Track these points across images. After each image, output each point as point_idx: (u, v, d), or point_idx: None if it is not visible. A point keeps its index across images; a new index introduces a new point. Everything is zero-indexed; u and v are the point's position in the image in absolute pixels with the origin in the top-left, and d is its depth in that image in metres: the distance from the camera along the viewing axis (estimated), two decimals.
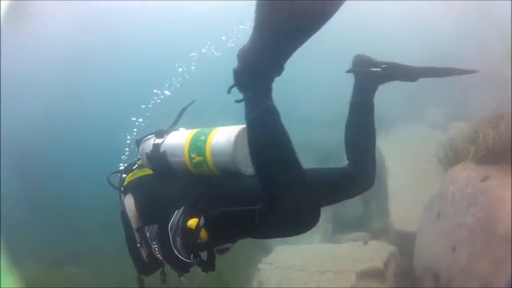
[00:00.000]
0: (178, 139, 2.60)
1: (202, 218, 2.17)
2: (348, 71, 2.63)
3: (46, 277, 7.43)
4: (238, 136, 2.32)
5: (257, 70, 1.95)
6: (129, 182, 2.84)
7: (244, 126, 2.29)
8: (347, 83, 2.67)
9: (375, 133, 2.67)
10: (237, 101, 2.06)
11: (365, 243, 6.59)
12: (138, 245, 2.57)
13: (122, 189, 2.85)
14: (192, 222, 2.17)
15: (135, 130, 3.90)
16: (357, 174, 2.61)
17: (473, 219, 4.30)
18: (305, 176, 2.06)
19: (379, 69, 2.51)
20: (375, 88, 2.62)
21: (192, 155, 2.43)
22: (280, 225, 2.12)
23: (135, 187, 2.76)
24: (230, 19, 4.30)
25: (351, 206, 9.02)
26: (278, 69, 1.95)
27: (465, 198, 4.47)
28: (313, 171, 2.43)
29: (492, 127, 4.25)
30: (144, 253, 2.59)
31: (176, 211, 2.23)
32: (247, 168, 2.32)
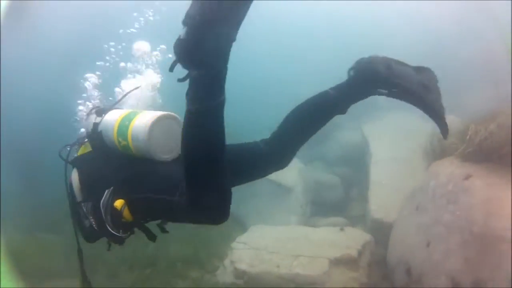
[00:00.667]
0: (110, 121, 2.62)
1: (125, 200, 2.29)
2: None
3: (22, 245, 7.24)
4: (156, 122, 2.33)
5: (215, 17, 1.62)
6: (76, 156, 2.87)
7: (168, 113, 2.40)
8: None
9: (315, 133, 2.58)
10: (180, 80, 1.77)
11: (342, 229, 6.51)
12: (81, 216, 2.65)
13: (70, 162, 2.84)
14: (118, 203, 2.28)
15: None
16: (272, 155, 2.56)
17: (451, 217, 4.20)
18: (227, 181, 2.02)
19: (386, 92, 2.38)
20: (360, 100, 2.50)
21: (120, 139, 2.49)
22: (194, 218, 2.30)
23: (79, 162, 2.79)
24: None
25: (332, 189, 8.95)
26: (235, 23, 1.67)
27: (446, 195, 4.36)
28: (231, 150, 2.28)
29: (483, 125, 4.09)
30: (86, 224, 2.64)
31: (107, 191, 2.34)
32: (163, 154, 2.38)
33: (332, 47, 13.54)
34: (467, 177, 4.10)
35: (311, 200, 8.54)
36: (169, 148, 2.39)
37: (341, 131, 10.83)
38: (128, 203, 2.29)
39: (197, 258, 6.89)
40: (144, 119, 2.37)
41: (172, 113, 2.44)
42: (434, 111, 2.35)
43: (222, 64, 1.72)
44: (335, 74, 2.72)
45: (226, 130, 1.90)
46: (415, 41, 10.22)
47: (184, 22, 1.66)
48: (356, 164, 9.23)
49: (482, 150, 4.09)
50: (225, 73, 1.75)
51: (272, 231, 6.83)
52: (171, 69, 1.79)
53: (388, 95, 2.38)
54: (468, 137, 4.27)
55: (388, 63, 2.36)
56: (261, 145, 2.58)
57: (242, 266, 5.94)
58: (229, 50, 1.70)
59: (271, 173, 2.68)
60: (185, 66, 1.74)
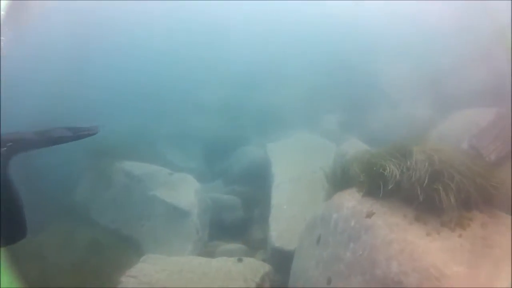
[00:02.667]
0: None
1: None
2: None
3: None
4: None
5: None
6: None
7: None
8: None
9: None
10: None
11: (240, 260, 6.08)
12: None
13: None
14: None
15: None
16: None
17: (352, 255, 3.99)
18: None
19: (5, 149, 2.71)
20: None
21: None
22: None
23: None
24: None
25: (232, 211, 8.55)
26: None
27: (348, 231, 4.15)
28: None
29: (396, 163, 3.93)
30: None
31: None
32: None
33: None
34: (369, 214, 3.91)
35: (209, 222, 8.04)
36: None
37: (245, 146, 10.58)
38: None
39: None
40: None
41: None
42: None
43: None
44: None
45: None
46: (414, 41, 10.25)
47: None
48: (259, 183, 8.97)
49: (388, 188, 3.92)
50: None
51: (165, 262, 6.17)
52: None
53: None
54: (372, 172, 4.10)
55: None
56: None
57: None
58: None
59: None
60: None
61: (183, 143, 11.54)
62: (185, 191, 7.92)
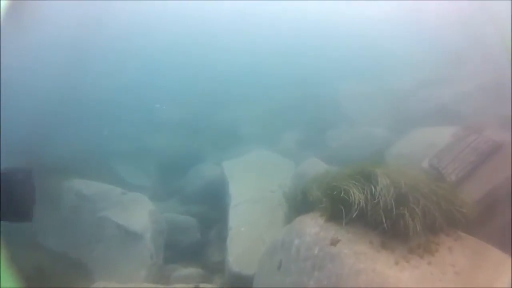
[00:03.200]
0: None
1: None
2: None
3: None
4: None
5: None
6: None
7: None
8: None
9: None
10: None
11: (196, 286, 5.73)
12: None
13: None
14: None
15: None
16: None
17: (317, 284, 3.76)
18: None
19: None
20: None
21: None
22: None
23: None
24: None
25: (188, 232, 8.17)
26: None
27: (311, 259, 3.92)
28: None
29: (360, 187, 3.77)
30: None
31: None
32: None
33: None
34: (334, 242, 3.72)
35: (164, 245, 7.59)
36: None
37: (202, 164, 10.25)
38: None
39: None
40: None
41: None
42: None
43: None
44: None
45: None
46: (413, 40, 10.18)
47: None
48: (216, 203, 8.65)
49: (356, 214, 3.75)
50: None
51: None
52: None
53: None
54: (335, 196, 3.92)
55: None
56: None
57: None
58: None
59: None
60: None
61: (137, 161, 11.09)
62: (139, 212, 7.46)
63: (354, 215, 3.71)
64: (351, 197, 3.74)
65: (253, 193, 7.51)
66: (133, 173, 10.72)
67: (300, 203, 4.89)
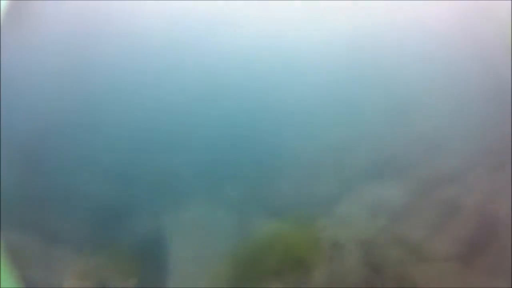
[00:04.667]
0: None
1: None
2: None
3: None
4: None
5: None
6: None
7: None
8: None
9: None
10: None
11: None
12: None
13: None
14: None
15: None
16: None
17: None
18: None
19: None
20: None
21: None
22: None
23: None
24: None
25: None
26: None
27: None
28: None
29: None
30: None
31: None
32: None
33: None
34: None
35: None
36: None
37: (135, 216, 10.25)
38: None
39: None
40: None
41: None
42: None
43: None
44: None
45: None
46: (413, 41, 10.38)
47: None
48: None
49: None
50: None
51: None
52: None
53: None
54: None
55: None
56: None
57: None
58: None
59: None
60: None
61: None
62: None
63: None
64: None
65: (193, 254, 7.30)
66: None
67: (249, 272, 4.72)
